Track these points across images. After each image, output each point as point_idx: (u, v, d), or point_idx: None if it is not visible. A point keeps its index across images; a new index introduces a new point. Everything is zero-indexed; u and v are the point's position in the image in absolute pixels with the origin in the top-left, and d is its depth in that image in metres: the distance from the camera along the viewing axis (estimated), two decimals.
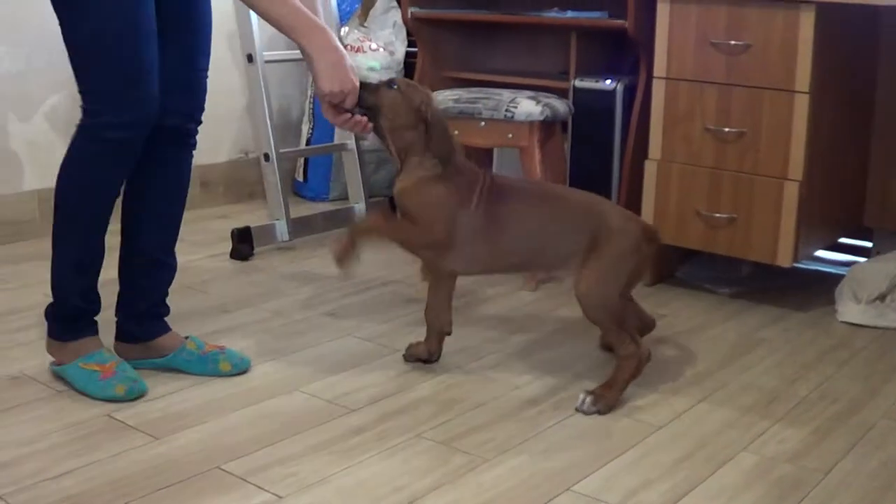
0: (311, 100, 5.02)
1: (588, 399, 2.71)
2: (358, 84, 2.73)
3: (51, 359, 2.82)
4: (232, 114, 4.93)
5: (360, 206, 4.51)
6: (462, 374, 2.93)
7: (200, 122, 2.89)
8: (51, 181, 3.99)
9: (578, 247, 2.76)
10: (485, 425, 2.61)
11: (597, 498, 2.27)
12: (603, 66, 4.13)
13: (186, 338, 2.94)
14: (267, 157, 4.26)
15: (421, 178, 2.79)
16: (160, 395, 2.74)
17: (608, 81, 3.93)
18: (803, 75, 3.26)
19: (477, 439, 2.54)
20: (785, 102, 3.31)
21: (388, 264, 3.94)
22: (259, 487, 2.28)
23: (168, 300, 2.95)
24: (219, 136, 4.89)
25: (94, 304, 2.81)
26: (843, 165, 3.65)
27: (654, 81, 3.58)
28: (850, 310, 3.46)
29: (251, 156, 4.98)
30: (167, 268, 2.92)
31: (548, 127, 3.74)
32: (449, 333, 3.01)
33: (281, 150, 4.31)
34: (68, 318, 2.78)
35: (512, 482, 2.33)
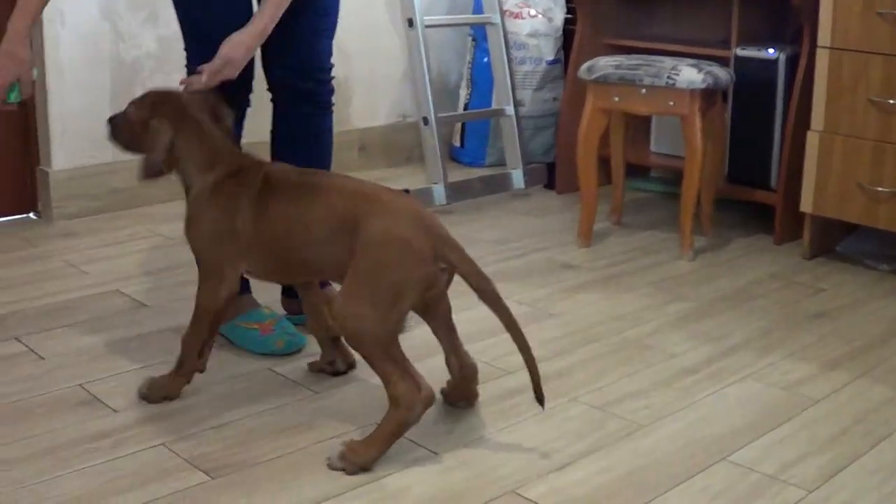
0: (470, 64, 5.04)
1: (336, 453, 2.23)
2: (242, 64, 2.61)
3: None
4: (390, 78, 4.96)
5: (517, 172, 4.53)
6: (619, 341, 2.93)
7: (324, 83, 2.92)
8: None
9: (342, 254, 2.28)
10: (640, 392, 2.62)
11: (752, 468, 2.26)
12: (765, 34, 4.08)
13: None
14: (426, 120, 4.30)
15: (193, 201, 2.48)
16: (319, 351, 2.79)
17: (771, 51, 3.88)
18: None
19: (632, 405, 2.54)
20: None
21: (542, 231, 3.96)
22: (417, 443, 2.32)
23: None
24: (377, 100, 4.93)
25: None
26: None
27: (818, 51, 3.52)
28: None
29: (409, 120, 5.02)
30: None
31: (709, 95, 3.71)
32: (337, 338, 2.67)
33: (439, 115, 4.34)
34: None
35: (667, 449, 2.33)
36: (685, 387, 2.65)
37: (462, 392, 2.51)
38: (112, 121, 2.53)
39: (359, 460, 2.21)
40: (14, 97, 2.60)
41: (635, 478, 2.21)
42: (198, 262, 2.48)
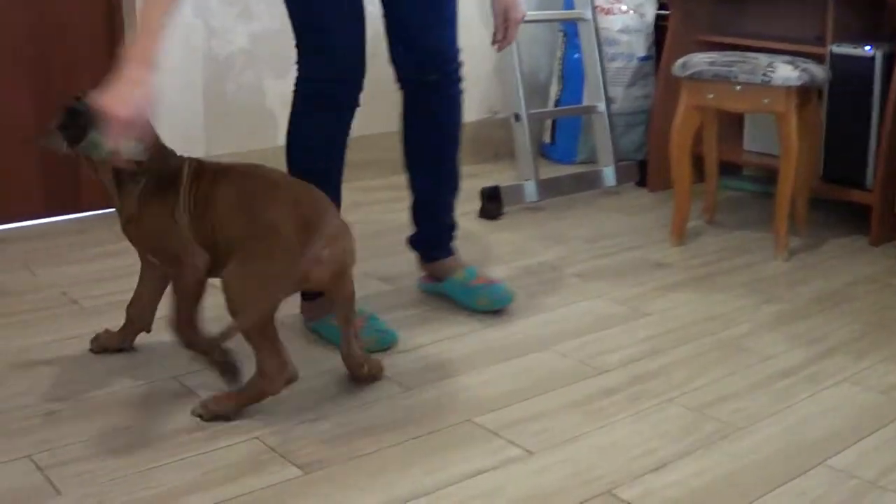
0: (560, 61, 5.02)
1: (200, 403, 2.41)
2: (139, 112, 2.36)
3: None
4: (480, 74, 4.95)
5: (608, 170, 4.50)
6: (713, 342, 2.90)
7: (450, 74, 2.97)
8: None
9: (239, 234, 2.37)
10: (736, 394, 2.58)
11: (852, 473, 2.22)
12: (860, 31, 4.01)
13: (465, 267, 3.11)
14: (517, 117, 4.28)
15: (135, 202, 2.47)
16: (411, 346, 2.79)
17: (867, 48, 3.82)
18: None
19: (728, 408, 2.51)
20: None
21: (634, 229, 3.93)
22: (510, 442, 2.31)
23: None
24: (466, 96, 4.89)
25: None
26: None
27: None
28: None
29: (499, 116, 5.00)
30: (438, 206, 3.14)
31: (805, 93, 3.66)
32: (148, 332, 2.74)
33: (530, 111, 4.33)
34: None
35: (764, 453, 2.30)
36: (781, 389, 2.62)
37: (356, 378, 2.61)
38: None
39: (217, 409, 2.39)
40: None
41: (731, 481, 2.18)
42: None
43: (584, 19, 4.59)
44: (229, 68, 4.17)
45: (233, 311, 2.34)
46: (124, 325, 2.74)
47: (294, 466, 2.18)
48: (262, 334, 2.35)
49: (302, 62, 2.77)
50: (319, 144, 2.82)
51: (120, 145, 2.37)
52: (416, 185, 3.11)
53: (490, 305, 3.03)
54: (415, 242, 3.17)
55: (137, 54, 2.32)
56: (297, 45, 2.77)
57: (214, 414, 2.38)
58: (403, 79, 2.97)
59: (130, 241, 2.56)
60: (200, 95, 4.10)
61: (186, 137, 4.02)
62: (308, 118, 2.80)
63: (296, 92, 2.80)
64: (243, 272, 2.33)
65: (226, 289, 2.34)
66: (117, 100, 2.28)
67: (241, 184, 2.42)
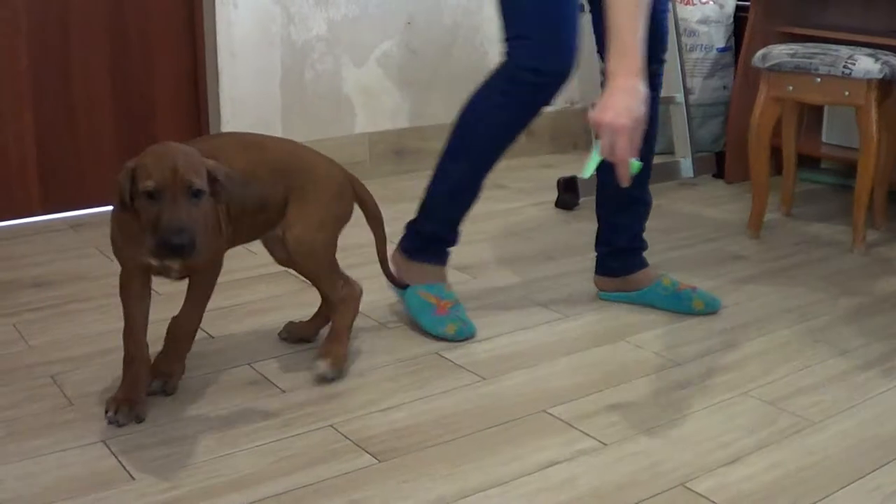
0: None
1: (325, 365, 2.52)
2: (632, 125, 2.34)
3: (390, 297, 2.92)
4: None
5: (686, 161, 4.48)
6: (789, 335, 2.88)
7: (664, 62, 2.95)
8: (381, 125, 4.12)
9: (283, 195, 2.47)
10: (812, 387, 2.56)
11: None
12: None
13: (662, 275, 3.07)
14: (594, 107, 4.26)
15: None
16: (487, 336, 2.80)
17: None
18: None
19: (804, 401, 2.49)
20: None
21: (711, 220, 3.91)
22: (584, 433, 2.31)
23: (642, 236, 3.11)
24: None
25: (452, 236, 2.91)
26: None
27: None
28: None
29: (577, 106, 4.99)
30: (642, 203, 3.07)
31: (886, 86, 3.62)
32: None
33: None
34: (423, 237, 2.89)
35: (840, 447, 2.28)
36: (858, 384, 2.59)
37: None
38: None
39: (338, 359, 2.55)
40: (637, 166, 2.39)
41: (805, 475, 2.17)
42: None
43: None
44: (307, 55, 4.19)
45: (304, 256, 2.50)
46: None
47: (368, 454, 2.20)
48: (333, 269, 2.60)
49: (524, 55, 2.70)
50: (505, 128, 2.80)
51: (625, 155, 2.35)
52: (614, 183, 2.75)
53: (707, 309, 3.00)
54: (606, 252, 3.09)
55: (625, 66, 2.37)
56: (515, 37, 2.72)
57: (340, 364, 2.55)
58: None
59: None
60: (278, 82, 4.13)
61: (263, 124, 4.06)
62: (505, 101, 2.75)
63: (503, 75, 2.75)
64: (309, 222, 2.49)
65: (296, 240, 2.48)
66: (619, 111, 2.32)
67: (256, 157, 2.45)
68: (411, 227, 2.91)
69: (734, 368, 2.66)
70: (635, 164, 2.35)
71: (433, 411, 2.39)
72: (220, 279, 2.44)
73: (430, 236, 2.88)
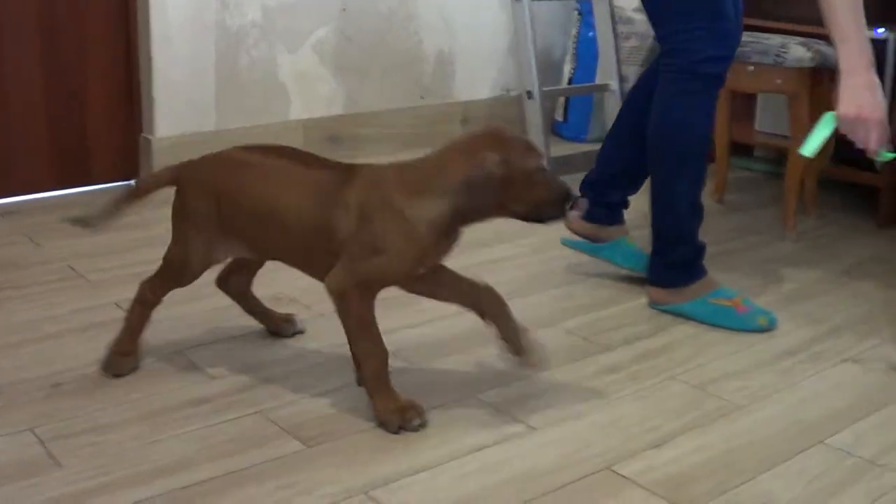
0: (575, 39, 5.01)
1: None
2: (884, 117, 2.56)
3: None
4: (495, 51, 4.95)
5: None
6: None
7: None
8: (316, 112, 4.10)
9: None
10: (739, 372, 2.59)
11: (850, 452, 2.23)
12: (875, 14, 3.99)
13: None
14: (530, 94, 4.28)
15: None
16: (420, 322, 2.80)
17: (880, 30, 3.81)
18: None
19: (731, 386, 2.52)
20: None
21: (643, 207, 3.93)
22: (513, 418, 2.32)
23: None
24: (481, 73, 4.92)
25: (701, 247, 2.95)
26: None
27: None
28: None
29: (513, 93, 5.00)
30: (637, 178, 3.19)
31: (817, 74, 3.66)
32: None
33: (543, 89, 4.33)
34: (679, 264, 2.93)
35: (764, 431, 2.31)
36: (785, 368, 2.63)
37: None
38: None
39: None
40: (889, 156, 2.61)
41: (731, 458, 2.19)
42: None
43: None
44: (242, 41, 4.17)
45: None
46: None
47: (297, 440, 2.20)
48: None
49: (698, 45, 2.77)
50: (706, 124, 2.89)
51: (879, 145, 2.57)
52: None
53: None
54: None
55: (861, 64, 2.56)
56: (684, 30, 2.78)
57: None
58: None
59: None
60: (213, 68, 4.10)
61: (197, 110, 4.04)
62: (697, 99, 2.83)
63: (680, 75, 2.81)
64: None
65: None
66: (870, 106, 2.53)
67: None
68: (659, 261, 2.95)
69: (662, 353, 2.68)
70: (888, 154, 2.58)
71: (363, 397, 2.37)
72: (143, 266, 2.46)
73: (685, 260, 2.93)
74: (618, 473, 2.11)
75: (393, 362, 2.53)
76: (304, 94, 4.35)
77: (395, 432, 2.25)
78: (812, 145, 2.63)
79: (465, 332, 2.75)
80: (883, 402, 2.46)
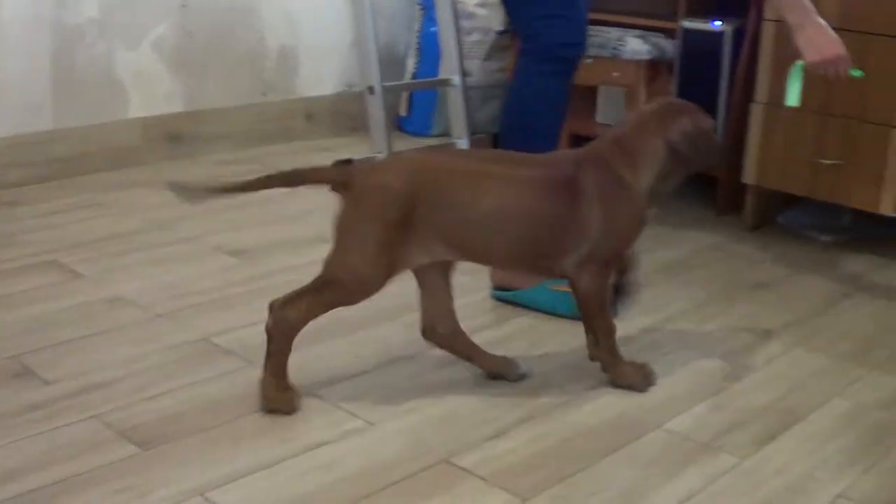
0: (418, 34, 5.02)
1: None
2: (843, 49, 2.79)
3: (163, 281, 2.87)
4: (338, 46, 4.94)
5: (463, 142, 4.51)
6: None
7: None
8: (155, 110, 4.04)
9: None
10: (576, 362, 2.61)
11: (687, 437, 2.27)
12: (711, 6, 4.07)
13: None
14: (372, 90, 4.27)
15: None
16: (257, 320, 2.77)
17: (717, 23, 3.88)
18: None
19: (568, 375, 2.55)
20: (894, 46, 3.24)
21: None
22: (351, 413, 2.32)
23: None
24: (324, 69, 4.90)
25: None
26: None
27: (764, 24, 3.53)
28: None
29: (355, 89, 4.99)
30: None
31: (654, 66, 3.72)
32: None
33: (386, 84, 4.32)
34: None
35: (601, 418, 2.34)
36: (623, 356, 2.65)
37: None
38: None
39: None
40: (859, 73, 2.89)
41: (568, 446, 2.22)
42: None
43: None
44: (79, 38, 4.09)
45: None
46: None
47: (132, 444, 2.16)
48: None
49: (551, 31, 2.89)
50: (559, 103, 2.98)
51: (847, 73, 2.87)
52: None
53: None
54: None
55: (808, 15, 2.79)
56: (539, 17, 2.89)
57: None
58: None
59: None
60: (48, 66, 4.02)
61: (33, 107, 3.96)
62: (550, 78, 2.93)
63: (534, 57, 2.92)
64: None
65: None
66: (831, 44, 2.79)
67: None
68: None
69: (501, 345, 2.69)
70: (857, 72, 2.87)
71: (200, 397, 2.36)
72: None
73: None
74: (456, 465, 2.12)
75: (232, 362, 2.53)
76: (143, 91, 4.29)
77: (643, 390, 2.48)
78: (794, 95, 2.91)
79: (305, 328, 2.73)
80: (719, 388, 2.51)
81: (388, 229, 2.25)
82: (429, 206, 2.26)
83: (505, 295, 2.97)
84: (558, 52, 2.90)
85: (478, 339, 2.59)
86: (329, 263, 2.30)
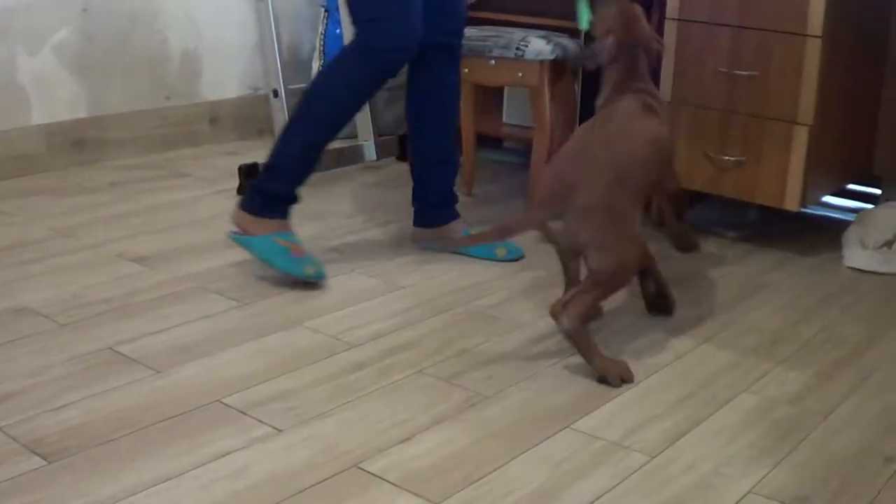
0: (322, 36, 5.00)
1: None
2: None
3: (67, 290, 2.83)
4: (241, 49, 4.90)
5: (368, 144, 4.50)
6: (465, 312, 2.93)
7: (462, 37, 3.39)
8: (58, 116, 3.99)
9: None
10: (486, 363, 2.62)
11: (596, 435, 2.28)
12: None
13: (471, 225, 3.51)
14: (276, 93, 4.25)
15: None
16: (163, 328, 2.75)
17: None
18: (816, 19, 3.23)
19: (477, 376, 2.54)
20: (797, 46, 3.28)
21: (395, 202, 3.94)
22: (259, 421, 2.29)
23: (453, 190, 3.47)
24: (228, 72, 4.87)
25: (295, 196, 3.16)
26: (853, 112, 3.62)
27: (667, 23, 3.55)
28: (856, 255, 3.45)
29: (260, 92, 4.96)
30: (452, 162, 3.46)
31: (558, 66, 3.73)
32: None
33: (290, 87, 4.30)
34: (267, 196, 3.11)
35: (511, 419, 2.34)
36: (531, 356, 2.66)
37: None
38: None
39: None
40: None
41: (479, 448, 2.21)
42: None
43: None
44: None
45: None
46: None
47: (37, 456, 2.13)
48: None
49: (377, 35, 3.03)
50: (358, 93, 3.11)
51: None
52: (427, 147, 3.42)
53: (508, 255, 3.36)
54: (422, 206, 3.47)
55: None
56: (368, 20, 3.04)
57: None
58: (434, 47, 3.24)
59: None
60: None
61: None
62: (362, 68, 3.06)
63: (358, 48, 3.06)
64: None
65: None
66: None
67: None
68: (255, 187, 3.13)
69: (410, 347, 2.68)
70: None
71: (106, 408, 2.33)
72: None
73: (274, 195, 3.11)
74: (365, 471, 2.11)
75: (138, 371, 2.50)
76: (44, 97, 4.23)
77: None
78: (584, 20, 3.12)
79: (210, 335, 2.71)
80: (628, 386, 2.53)
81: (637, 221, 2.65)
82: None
83: (239, 238, 3.11)
84: (373, 54, 3.04)
85: (384, 343, 2.58)
86: (602, 263, 2.54)
